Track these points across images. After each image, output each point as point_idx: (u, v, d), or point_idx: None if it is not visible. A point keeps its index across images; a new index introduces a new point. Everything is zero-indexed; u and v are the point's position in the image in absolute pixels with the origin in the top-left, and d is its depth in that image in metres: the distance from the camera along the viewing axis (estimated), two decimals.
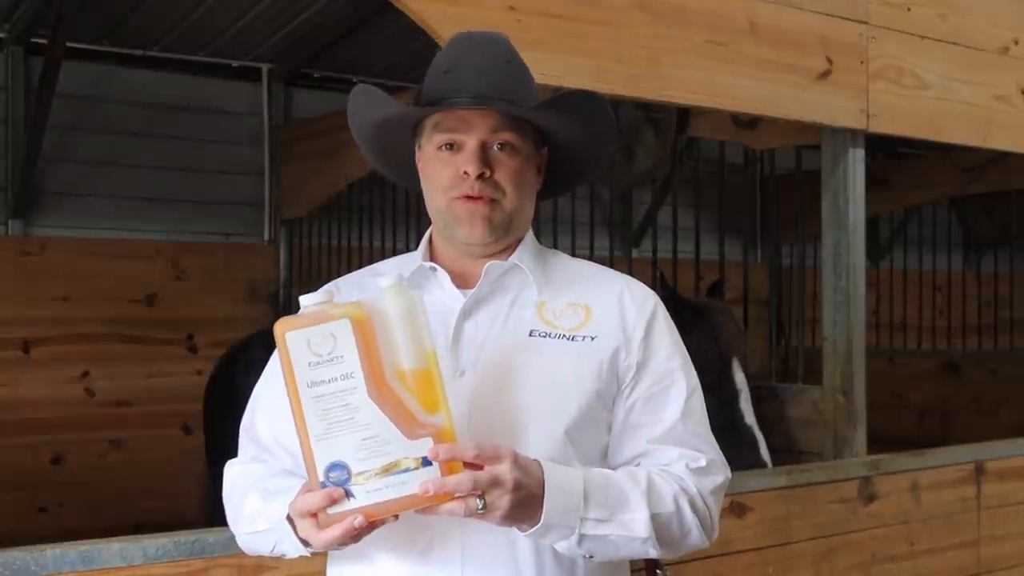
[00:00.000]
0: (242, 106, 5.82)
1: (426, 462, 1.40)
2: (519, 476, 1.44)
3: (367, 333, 1.43)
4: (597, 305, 1.70)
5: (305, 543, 1.52)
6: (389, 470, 1.40)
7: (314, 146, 5.33)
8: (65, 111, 5.15)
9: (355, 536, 1.43)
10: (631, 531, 1.55)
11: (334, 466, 1.41)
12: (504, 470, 1.43)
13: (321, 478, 1.42)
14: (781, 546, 2.97)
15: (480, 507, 1.41)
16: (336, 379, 1.42)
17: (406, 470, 1.40)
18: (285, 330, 1.44)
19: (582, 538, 1.51)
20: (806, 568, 3.03)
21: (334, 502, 1.41)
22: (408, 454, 1.40)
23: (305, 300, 1.46)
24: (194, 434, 4.94)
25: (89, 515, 5.00)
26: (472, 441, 1.44)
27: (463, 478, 1.40)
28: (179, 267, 5.52)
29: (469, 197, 1.64)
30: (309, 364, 1.42)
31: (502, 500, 1.42)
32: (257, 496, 1.62)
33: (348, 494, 1.41)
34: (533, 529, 1.48)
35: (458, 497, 1.41)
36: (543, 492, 1.47)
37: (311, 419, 1.42)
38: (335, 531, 1.42)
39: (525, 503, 1.45)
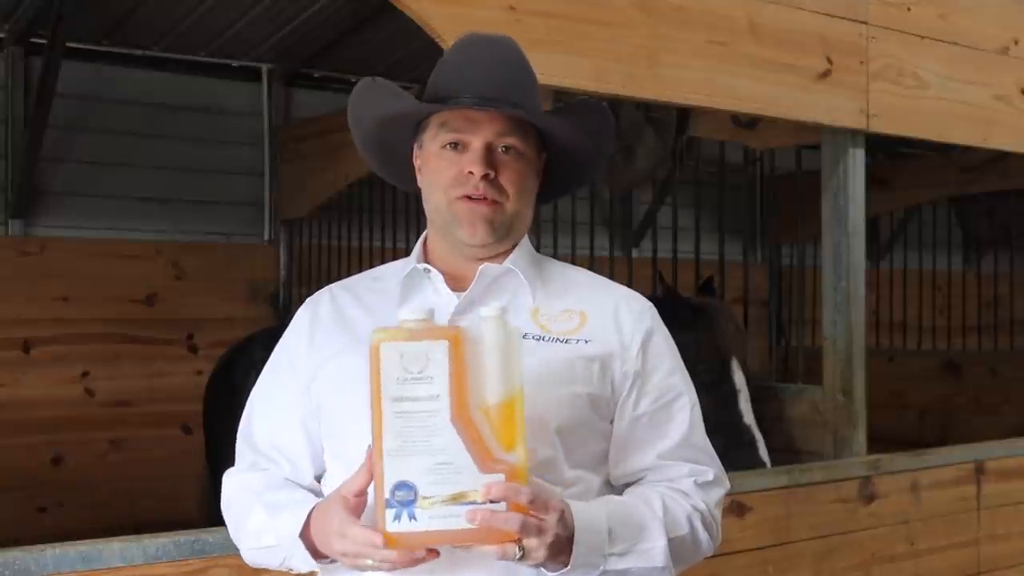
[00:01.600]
0: (242, 106, 5.82)
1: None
2: (560, 531, 1.44)
3: (461, 359, 1.41)
4: (592, 312, 1.68)
5: (317, 556, 1.52)
6: (456, 500, 1.39)
7: (314, 146, 5.33)
8: (65, 111, 5.15)
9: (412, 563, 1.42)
10: (650, 560, 1.56)
11: (402, 485, 1.39)
12: (551, 522, 1.42)
13: (387, 494, 1.40)
14: (781, 546, 2.97)
15: (517, 555, 1.41)
16: (421, 399, 1.40)
17: (473, 502, 1.39)
18: (380, 340, 1.42)
19: (603, 573, 1.52)
20: (806, 568, 3.03)
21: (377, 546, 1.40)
22: (478, 487, 1.39)
23: (404, 314, 1.44)
24: (194, 434, 4.94)
25: (89, 515, 4.99)
26: (529, 488, 1.41)
27: (512, 518, 1.39)
28: (179, 267, 5.52)
29: (470, 198, 1.63)
30: (397, 379, 1.40)
31: (540, 552, 1.42)
32: (262, 511, 1.60)
33: (411, 516, 1.39)
34: (560, 571, 1.48)
35: (495, 540, 1.40)
36: (572, 534, 1.47)
37: (388, 433, 1.40)
38: (393, 555, 1.40)
39: (558, 551, 1.45)
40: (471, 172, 1.62)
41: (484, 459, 1.40)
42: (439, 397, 1.40)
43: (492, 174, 1.62)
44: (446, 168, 1.64)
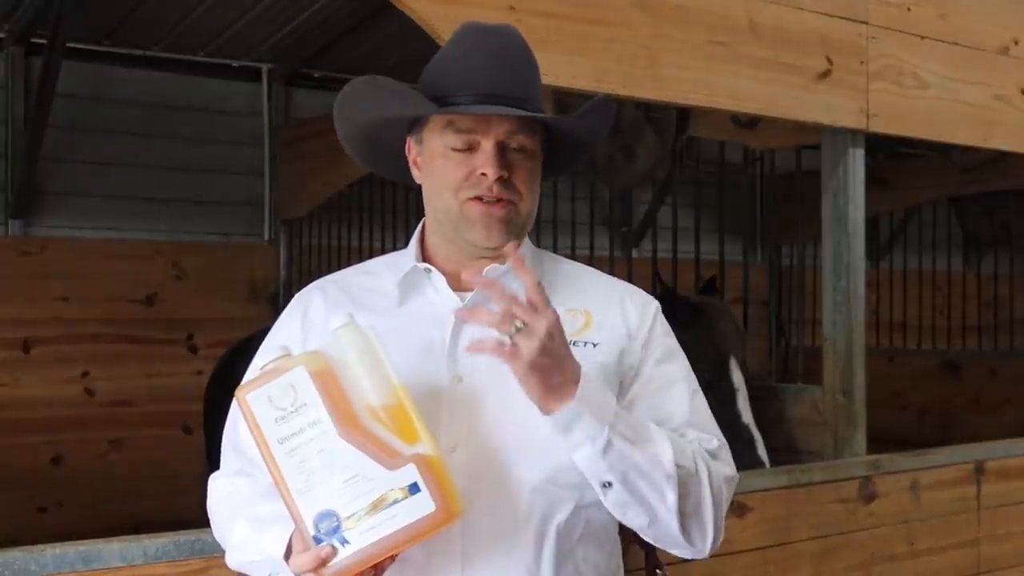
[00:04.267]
0: (242, 106, 5.83)
1: (414, 489, 1.38)
2: (557, 327, 1.41)
3: (326, 376, 1.42)
4: (597, 310, 1.66)
5: None
6: (378, 506, 1.38)
7: (314, 146, 5.33)
8: (65, 111, 5.15)
9: None
10: (659, 460, 1.49)
11: (322, 516, 1.39)
12: (541, 315, 1.40)
13: (312, 532, 1.39)
14: (781, 546, 2.96)
15: (514, 329, 1.38)
16: (305, 428, 1.40)
17: (395, 502, 1.38)
18: (245, 392, 1.43)
19: (608, 445, 1.45)
20: (806, 568, 3.03)
21: (324, 560, 1.38)
22: (394, 485, 1.38)
23: (260, 361, 1.46)
24: (194, 434, 4.94)
25: (89, 515, 5.00)
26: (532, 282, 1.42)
27: (493, 314, 1.39)
28: (179, 267, 5.52)
29: (482, 199, 1.58)
30: (275, 420, 1.41)
31: (539, 325, 1.39)
32: (246, 524, 1.57)
33: (342, 542, 1.38)
34: (564, 408, 1.43)
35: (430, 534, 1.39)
36: (575, 373, 1.44)
37: (289, 475, 1.40)
38: None
39: (555, 363, 1.41)
40: (484, 174, 1.57)
41: (389, 457, 1.39)
42: (320, 420, 1.40)
43: (506, 175, 1.58)
44: (455, 169, 1.60)
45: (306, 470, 1.40)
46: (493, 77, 1.58)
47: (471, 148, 1.60)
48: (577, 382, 1.44)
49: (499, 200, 1.59)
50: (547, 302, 1.42)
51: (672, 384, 1.67)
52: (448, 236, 1.66)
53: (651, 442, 1.50)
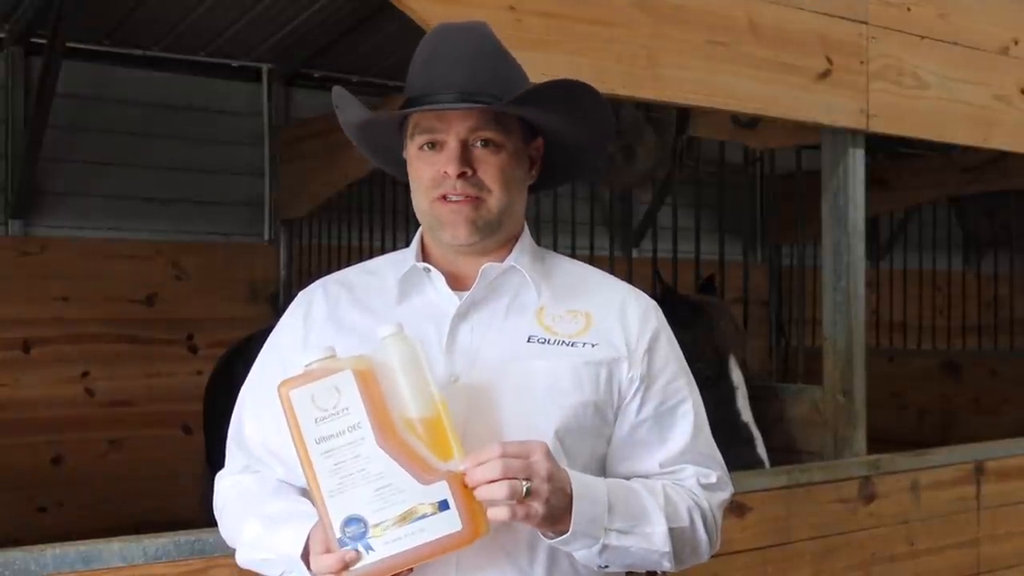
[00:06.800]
0: (242, 106, 5.82)
1: (443, 506, 1.39)
2: (552, 467, 1.43)
3: (371, 383, 1.43)
4: (598, 313, 1.66)
5: None
6: (406, 518, 1.39)
7: (314, 146, 5.33)
8: (65, 111, 5.15)
9: None
10: (651, 544, 1.54)
11: (350, 520, 1.40)
12: (537, 459, 1.42)
13: (338, 534, 1.40)
14: (781, 546, 2.97)
15: (524, 492, 1.39)
16: (344, 432, 1.41)
17: (423, 516, 1.39)
18: (289, 389, 1.43)
19: (604, 548, 1.50)
20: (806, 568, 3.03)
21: (347, 564, 1.40)
22: (424, 500, 1.39)
23: (306, 359, 1.46)
24: (194, 434, 4.94)
25: (89, 515, 5.00)
26: (496, 445, 1.42)
27: (495, 464, 1.38)
28: (179, 267, 5.52)
29: (447, 198, 1.60)
30: (315, 420, 1.42)
31: (542, 486, 1.41)
32: (257, 523, 1.58)
33: (367, 548, 1.39)
34: (561, 537, 1.47)
35: (454, 548, 1.40)
36: (571, 498, 1.46)
37: (322, 475, 1.41)
38: None
39: (559, 500, 1.44)
40: (446, 172, 1.58)
41: (422, 471, 1.40)
42: (360, 425, 1.41)
43: (469, 172, 1.58)
44: (425, 169, 1.62)
45: (340, 473, 1.41)
46: (457, 75, 1.59)
47: (438, 147, 1.61)
48: (570, 496, 1.46)
49: (466, 197, 1.59)
50: (526, 446, 1.43)
51: (681, 403, 1.68)
52: (431, 236, 1.69)
53: (645, 522, 1.55)
